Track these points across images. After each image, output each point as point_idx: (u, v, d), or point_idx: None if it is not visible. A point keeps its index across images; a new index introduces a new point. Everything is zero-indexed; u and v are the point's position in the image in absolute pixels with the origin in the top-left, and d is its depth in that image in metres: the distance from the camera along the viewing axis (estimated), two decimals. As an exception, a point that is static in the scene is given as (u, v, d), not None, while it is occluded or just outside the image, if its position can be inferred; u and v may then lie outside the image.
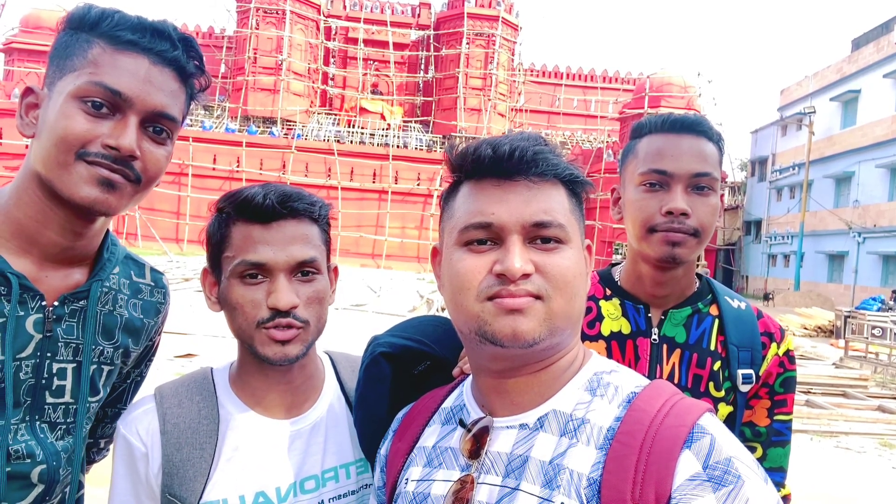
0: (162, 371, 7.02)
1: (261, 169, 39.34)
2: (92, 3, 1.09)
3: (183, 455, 1.15)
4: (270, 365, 1.16)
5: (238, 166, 39.16)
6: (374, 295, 21.60)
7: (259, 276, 1.13)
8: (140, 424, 1.18)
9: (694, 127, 1.40)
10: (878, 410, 9.52)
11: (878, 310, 19.37)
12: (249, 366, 1.21)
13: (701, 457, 0.77)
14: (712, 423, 0.82)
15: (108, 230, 1.24)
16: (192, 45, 1.13)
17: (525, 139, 0.89)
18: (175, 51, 1.09)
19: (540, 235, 0.86)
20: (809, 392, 10.26)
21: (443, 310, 17.12)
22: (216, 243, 1.18)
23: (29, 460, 1.10)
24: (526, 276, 0.84)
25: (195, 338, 10.76)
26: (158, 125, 1.10)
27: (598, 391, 0.89)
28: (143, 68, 1.06)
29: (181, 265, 25.05)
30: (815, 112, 30.93)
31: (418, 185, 41.49)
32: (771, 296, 30.85)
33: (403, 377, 1.13)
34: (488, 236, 0.87)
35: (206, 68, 1.17)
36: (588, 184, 0.93)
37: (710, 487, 0.75)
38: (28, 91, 1.11)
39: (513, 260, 0.84)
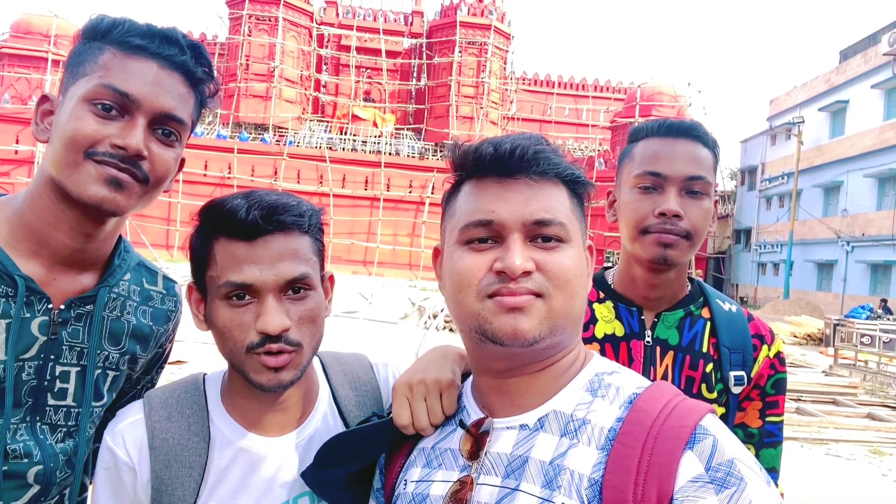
0: (152, 378, 6.95)
1: (252, 175, 39.26)
2: (104, 13, 1.13)
3: (172, 472, 1.10)
4: (263, 391, 1.10)
5: (229, 173, 39.06)
6: (365, 302, 21.53)
7: (246, 297, 1.05)
8: (127, 437, 1.12)
9: (689, 132, 1.42)
10: (868, 418, 9.56)
11: (867, 318, 19.50)
12: (240, 386, 1.14)
13: (703, 458, 0.77)
14: (714, 425, 0.82)
15: (121, 236, 1.26)
16: (200, 52, 1.15)
17: (526, 138, 0.89)
18: (183, 56, 1.12)
19: (541, 234, 0.87)
20: (800, 399, 10.29)
21: (434, 317, 17.10)
22: (199, 260, 1.10)
23: (26, 460, 1.11)
24: (526, 273, 0.84)
25: (186, 344, 10.67)
26: (166, 127, 1.12)
27: (600, 392, 0.89)
28: (152, 72, 1.09)
29: (171, 272, 24.90)
30: (803, 122, 31.18)
31: (410, 192, 41.51)
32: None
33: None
34: (489, 234, 0.87)
35: (215, 75, 1.19)
36: (589, 184, 0.93)
37: (713, 489, 0.75)
38: (44, 98, 1.15)
39: (513, 257, 0.84)
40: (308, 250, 1.11)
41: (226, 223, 1.06)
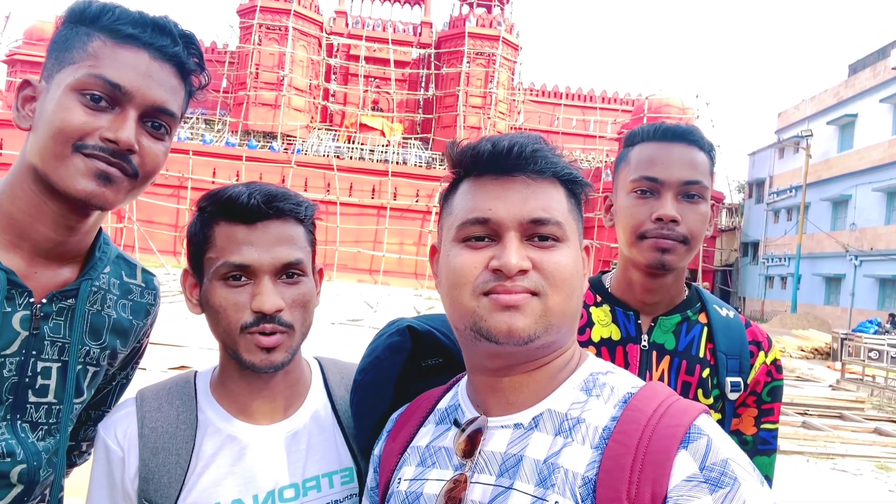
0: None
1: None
2: None
3: (159, 460, 1.11)
4: (254, 372, 1.13)
5: (237, 180, 38.83)
6: (370, 310, 21.55)
7: (242, 278, 1.10)
8: (118, 428, 1.15)
9: (685, 136, 1.42)
10: (875, 433, 9.49)
11: (875, 333, 19.35)
12: (231, 371, 1.17)
13: (698, 457, 0.77)
14: (708, 424, 0.82)
15: (101, 229, 1.22)
16: (192, 42, 1.12)
17: (524, 137, 0.90)
18: (176, 46, 1.08)
19: (537, 233, 0.87)
20: (806, 413, 10.22)
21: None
22: (198, 244, 1.14)
23: (9, 459, 1.08)
24: (523, 272, 0.84)
25: (190, 350, 10.71)
26: (157, 120, 1.09)
27: (594, 391, 0.89)
28: (144, 63, 1.05)
29: (178, 278, 25.00)
30: (812, 135, 31.07)
31: (417, 201, 41.59)
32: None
33: (412, 365, 1.12)
34: (486, 233, 0.87)
35: (205, 65, 1.16)
36: (587, 184, 0.93)
37: (707, 489, 0.74)
38: (25, 84, 1.09)
39: (509, 255, 0.84)
40: (302, 239, 1.16)
41: (227, 208, 1.11)
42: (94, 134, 1.03)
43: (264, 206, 1.10)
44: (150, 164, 1.09)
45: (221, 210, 1.12)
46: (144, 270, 1.34)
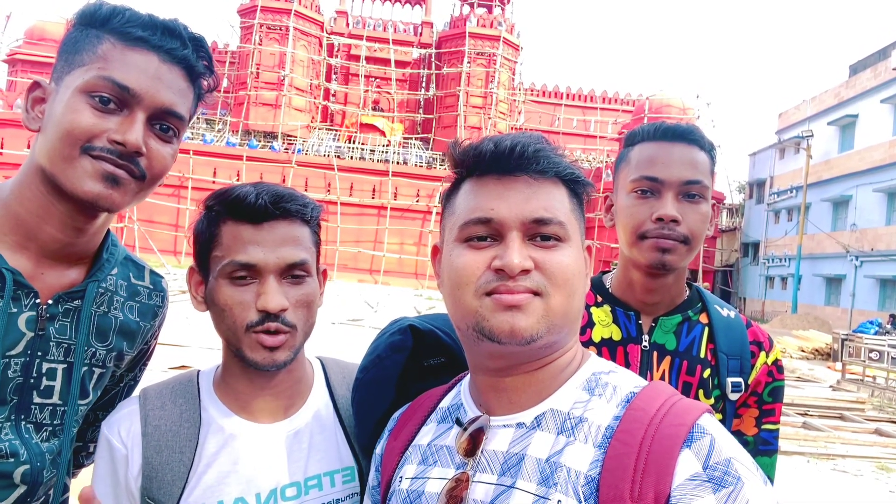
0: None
1: (261, 183, 39.49)
2: (103, 0, 1.09)
3: (162, 458, 1.12)
4: (257, 370, 1.14)
5: (238, 180, 39.09)
6: (371, 310, 21.56)
7: (248, 278, 1.11)
8: (122, 426, 1.16)
9: (685, 135, 1.42)
10: (875, 434, 9.49)
11: (876, 333, 19.36)
12: (234, 369, 1.18)
13: (701, 457, 0.77)
14: (711, 424, 0.82)
15: (108, 230, 1.22)
16: (201, 45, 1.12)
17: (527, 137, 0.90)
18: (185, 49, 1.09)
19: (540, 233, 0.87)
20: (807, 414, 10.22)
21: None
22: (204, 242, 1.15)
23: (12, 460, 1.08)
24: (525, 272, 0.84)
25: (191, 350, 10.72)
26: (165, 123, 1.09)
27: (597, 391, 0.89)
28: (153, 65, 1.06)
29: (178, 277, 24.99)
30: (812, 136, 31.04)
31: (417, 201, 41.59)
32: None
33: (413, 364, 1.13)
34: (488, 232, 0.88)
35: (214, 69, 1.17)
36: (589, 184, 0.94)
37: (710, 488, 0.75)
38: (35, 85, 1.10)
39: (512, 255, 0.84)
40: (308, 240, 1.17)
41: (235, 207, 1.12)
42: (102, 136, 1.03)
43: (271, 207, 1.11)
44: (157, 167, 1.10)
45: (229, 209, 1.13)
46: (152, 272, 1.34)
